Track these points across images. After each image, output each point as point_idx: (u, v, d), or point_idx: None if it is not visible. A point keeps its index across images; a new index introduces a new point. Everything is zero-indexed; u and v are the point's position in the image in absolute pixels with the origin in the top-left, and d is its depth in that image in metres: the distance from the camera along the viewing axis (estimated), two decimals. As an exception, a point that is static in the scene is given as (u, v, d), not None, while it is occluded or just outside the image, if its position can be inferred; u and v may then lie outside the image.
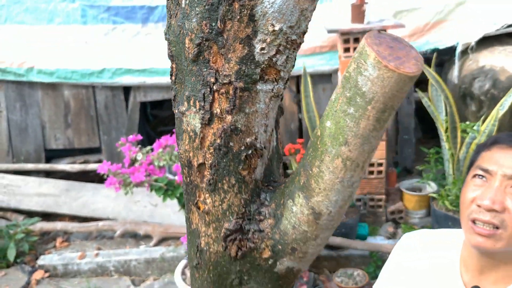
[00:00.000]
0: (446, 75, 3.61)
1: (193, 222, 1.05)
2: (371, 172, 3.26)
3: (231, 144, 0.94)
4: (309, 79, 3.11)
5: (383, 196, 3.31)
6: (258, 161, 0.96)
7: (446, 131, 3.00)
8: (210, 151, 0.95)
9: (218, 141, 0.94)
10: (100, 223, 3.43)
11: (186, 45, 0.92)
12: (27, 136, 3.96)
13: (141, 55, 3.71)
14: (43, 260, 3.25)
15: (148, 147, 2.59)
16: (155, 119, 4.90)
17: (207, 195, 0.99)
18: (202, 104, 0.92)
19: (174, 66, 0.97)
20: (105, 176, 2.52)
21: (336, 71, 3.48)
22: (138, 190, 3.64)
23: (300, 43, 0.92)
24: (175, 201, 3.44)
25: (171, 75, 0.99)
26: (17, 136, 3.96)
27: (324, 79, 3.62)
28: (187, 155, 0.99)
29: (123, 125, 3.89)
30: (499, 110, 2.90)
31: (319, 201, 0.89)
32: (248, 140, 0.94)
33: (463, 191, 1.11)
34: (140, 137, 2.62)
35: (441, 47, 3.44)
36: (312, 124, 3.05)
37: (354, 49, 3.04)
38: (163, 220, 3.48)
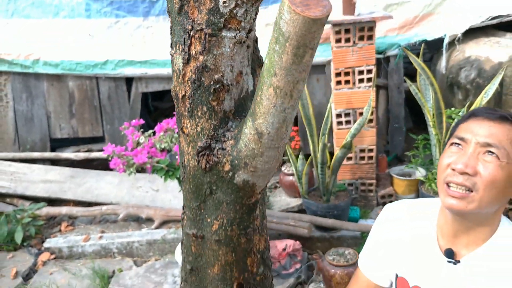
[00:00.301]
0: (435, 66, 3.75)
1: (181, 144, 1.31)
2: (362, 158, 3.40)
3: (203, 79, 1.18)
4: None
5: (374, 181, 3.44)
6: (225, 95, 1.20)
7: (433, 117, 3.14)
8: (189, 84, 1.20)
9: (194, 76, 1.18)
10: (104, 207, 3.52)
11: (174, 1, 1.16)
12: (33, 126, 4.07)
13: (143, 47, 3.84)
14: (49, 243, 3.34)
15: (150, 131, 2.72)
16: (156, 110, 5.03)
17: (187, 121, 1.24)
18: (183, 47, 1.17)
19: (170, 20, 1.21)
20: (110, 158, 2.64)
21: (329, 62, 3.62)
22: (141, 176, 3.78)
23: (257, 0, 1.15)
24: (175, 186, 3.55)
25: (171, 28, 1.22)
26: (23, 126, 4.08)
27: (318, 69, 3.76)
28: (175, 89, 1.24)
29: (125, 115, 4.00)
30: (484, 97, 3.04)
31: (260, 123, 1.11)
32: (216, 76, 1.18)
33: (441, 157, 1.20)
34: (142, 121, 2.74)
35: (430, 38, 3.58)
36: (305, 112, 3.18)
37: (346, 39, 3.18)
38: (164, 205, 3.60)
